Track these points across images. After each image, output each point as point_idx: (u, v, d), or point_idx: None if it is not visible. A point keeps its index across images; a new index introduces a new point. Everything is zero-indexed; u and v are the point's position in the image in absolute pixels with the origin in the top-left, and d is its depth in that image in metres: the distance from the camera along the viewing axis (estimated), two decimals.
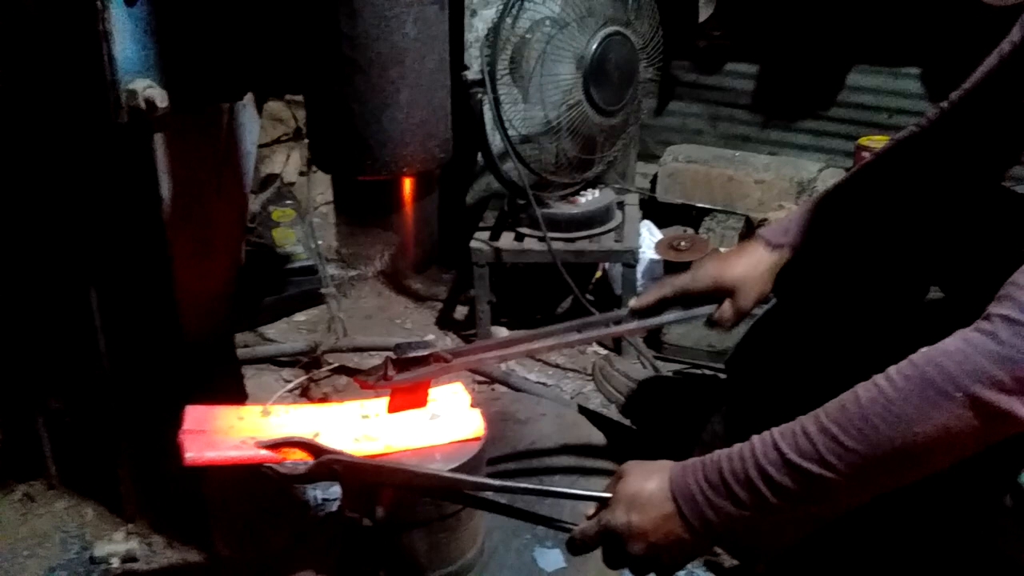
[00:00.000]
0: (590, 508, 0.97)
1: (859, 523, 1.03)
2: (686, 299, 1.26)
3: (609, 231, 2.03)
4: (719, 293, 1.25)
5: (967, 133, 1.18)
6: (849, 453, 0.79)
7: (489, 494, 1.04)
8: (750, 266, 1.24)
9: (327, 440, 1.02)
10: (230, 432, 1.01)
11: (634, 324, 1.28)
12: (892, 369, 0.81)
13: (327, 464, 0.94)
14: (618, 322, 1.30)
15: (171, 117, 1.10)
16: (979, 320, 0.79)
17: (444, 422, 1.13)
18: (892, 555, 1.25)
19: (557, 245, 1.93)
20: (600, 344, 2.03)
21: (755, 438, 0.86)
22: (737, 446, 0.86)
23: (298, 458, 0.96)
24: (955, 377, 0.76)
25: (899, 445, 0.78)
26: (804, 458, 0.81)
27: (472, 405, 1.18)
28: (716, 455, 0.87)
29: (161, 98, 1.06)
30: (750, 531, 0.86)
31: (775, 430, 0.84)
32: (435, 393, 1.17)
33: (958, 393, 0.76)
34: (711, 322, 1.27)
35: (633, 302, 1.28)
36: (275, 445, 0.95)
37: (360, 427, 1.11)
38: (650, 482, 0.89)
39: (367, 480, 1.01)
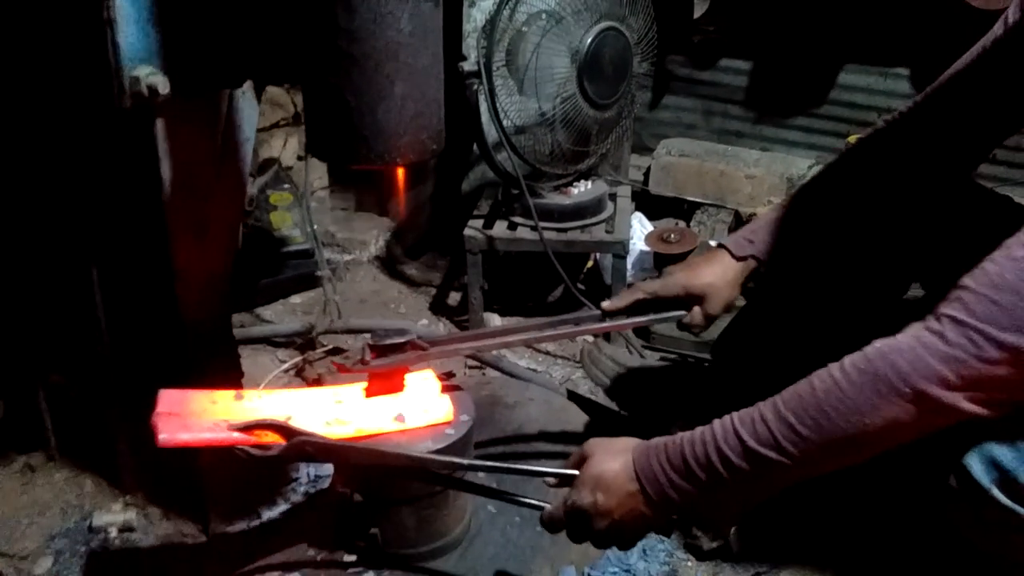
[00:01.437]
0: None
1: (820, 496, 1.08)
2: (657, 303, 1.32)
3: (600, 222, 2.07)
4: (689, 299, 1.30)
5: (940, 127, 1.22)
6: (803, 441, 0.85)
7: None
8: (718, 275, 1.30)
9: (299, 423, 1.05)
10: (203, 415, 1.03)
11: (606, 324, 1.33)
12: (847, 360, 0.86)
13: (298, 445, 0.96)
14: (595, 321, 1.34)
15: (172, 103, 1.13)
16: (929, 318, 0.84)
17: (414, 407, 1.16)
18: (853, 526, 1.30)
19: (549, 235, 1.97)
20: None
21: (716, 422, 0.91)
22: (699, 429, 0.92)
23: (270, 440, 0.98)
24: (905, 374, 0.82)
25: (850, 433, 0.84)
26: (762, 445, 0.86)
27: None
28: (678, 437, 0.93)
29: (163, 85, 1.10)
30: (707, 507, 0.92)
31: (735, 415, 0.90)
32: (410, 379, 1.20)
33: (907, 389, 0.81)
34: (682, 326, 1.33)
35: (606, 304, 1.32)
36: (247, 428, 0.98)
37: (332, 411, 1.14)
38: (615, 462, 0.95)
39: (338, 460, 1.04)
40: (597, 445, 0.99)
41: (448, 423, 1.14)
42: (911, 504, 1.17)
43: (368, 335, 1.15)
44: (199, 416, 1.02)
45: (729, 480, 0.88)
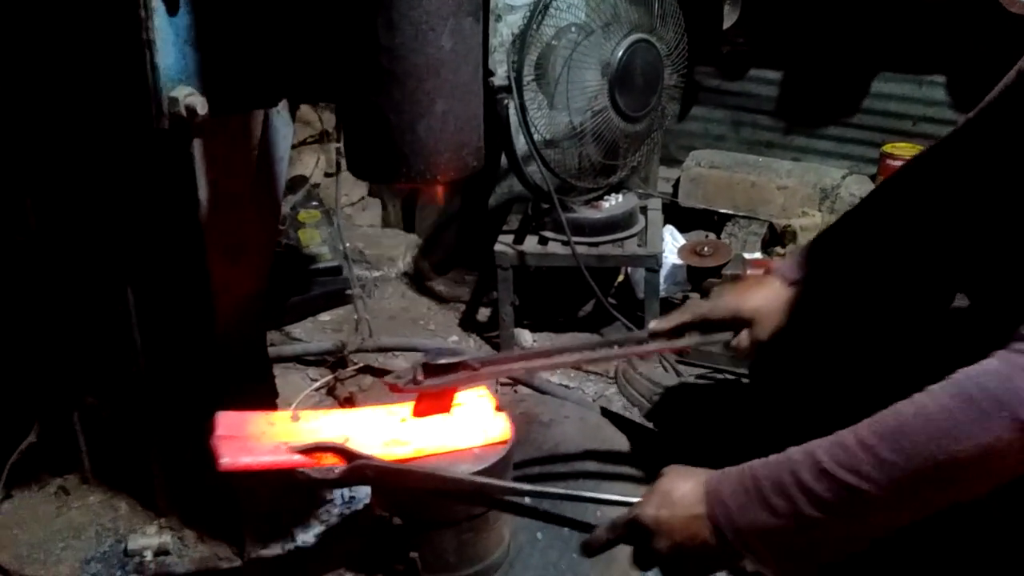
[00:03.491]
0: (615, 513, 0.98)
1: (894, 551, 1.02)
2: (705, 325, 1.28)
3: (633, 236, 2.05)
4: (737, 322, 1.26)
5: (987, 149, 1.19)
6: (888, 466, 0.79)
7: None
8: (768, 299, 1.26)
9: (357, 444, 1.04)
10: (262, 437, 1.03)
11: (654, 346, 1.31)
12: (933, 387, 0.81)
13: (359, 468, 0.97)
14: (640, 342, 1.32)
15: (209, 122, 1.13)
16: (1015, 341, 0.79)
17: (471, 426, 1.14)
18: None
19: (581, 249, 1.94)
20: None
21: (792, 448, 0.86)
22: (774, 456, 0.86)
23: (330, 462, 0.99)
24: (999, 397, 0.77)
25: (940, 461, 0.78)
26: (842, 468, 0.81)
27: (498, 408, 1.20)
28: (752, 463, 0.88)
29: (201, 105, 1.09)
30: (780, 546, 0.85)
31: (813, 441, 0.84)
32: (461, 397, 1.19)
33: (1003, 413, 0.76)
34: (729, 349, 1.29)
35: (654, 324, 1.29)
36: (308, 450, 0.98)
37: (389, 431, 1.13)
38: (686, 482, 0.91)
39: (397, 484, 1.03)
40: (674, 467, 0.95)
41: (504, 442, 1.12)
42: (998, 554, 1.10)
43: (419, 355, 1.14)
44: (258, 439, 1.02)
45: (805, 509, 0.82)
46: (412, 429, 1.13)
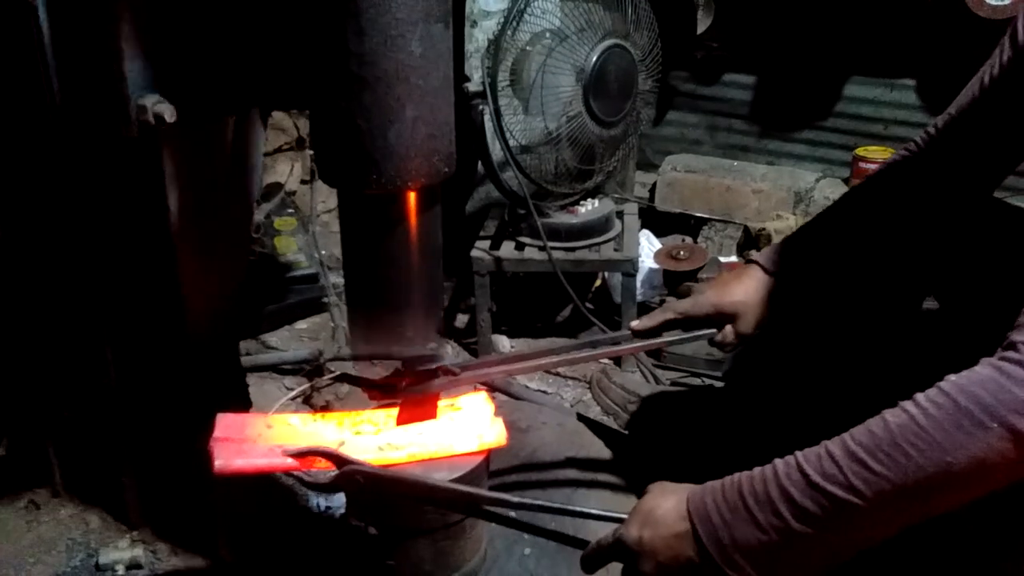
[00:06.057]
0: (596, 523, 0.98)
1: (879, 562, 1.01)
2: (688, 322, 1.27)
3: (609, 240, 2.05)
4: (720, 318, 1.25)
5: (955, 155, 1.19)
6: (877, 479, 0.77)
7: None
8: (750, 292, 1.24)
9: (352, 449, 1.04)
10: (258, 440, 1.03)
11: (637, 344, 1.29)
12: (920, 396, 0.79)
13: (350, 474, 0.96)
14: (619, 342, 1.30)
15: (179, 130, 1.12)
16: (1003, 349, 0.78)
17: (467, 432, 1.13)
18: None
19: (557, 254, 1.94)
20: None
21: (777, 460, 0.83)
22: (758, 468, 0.84)
23: (322, 467, 0.98)
24: (990, 407, 0.75)
25: (931, 473, 0.76)
26: (829, 481, 0.79)
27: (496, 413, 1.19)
28: (736, 476, 0.85)
29: (170, 113, 1.08)
30: (766, 562, 0.83)
31: (798, 453, 0.82)
32: (460, 402, 1.18)
33: (994, 423, 0.74)
34: (715, 344, 1.27)
35: (635, 324, 1.27)
36: (299, 455, 0.97)
37: (385, 436, 1.12)
38: (667, 500, 0.88)
39: (388, 491, 1.02)
40: (657, 484, 0.93)
41: (501, 446, 1.11)
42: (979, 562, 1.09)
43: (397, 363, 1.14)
44: (254, 442, 1.02)
45: (792, 523, 0.80)
46: (407, 434, 1.12)
